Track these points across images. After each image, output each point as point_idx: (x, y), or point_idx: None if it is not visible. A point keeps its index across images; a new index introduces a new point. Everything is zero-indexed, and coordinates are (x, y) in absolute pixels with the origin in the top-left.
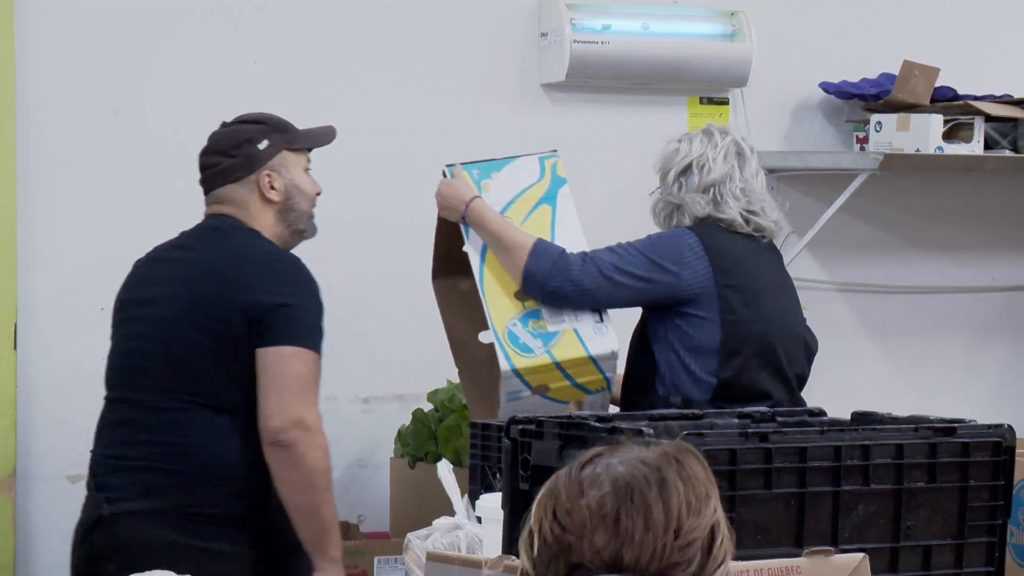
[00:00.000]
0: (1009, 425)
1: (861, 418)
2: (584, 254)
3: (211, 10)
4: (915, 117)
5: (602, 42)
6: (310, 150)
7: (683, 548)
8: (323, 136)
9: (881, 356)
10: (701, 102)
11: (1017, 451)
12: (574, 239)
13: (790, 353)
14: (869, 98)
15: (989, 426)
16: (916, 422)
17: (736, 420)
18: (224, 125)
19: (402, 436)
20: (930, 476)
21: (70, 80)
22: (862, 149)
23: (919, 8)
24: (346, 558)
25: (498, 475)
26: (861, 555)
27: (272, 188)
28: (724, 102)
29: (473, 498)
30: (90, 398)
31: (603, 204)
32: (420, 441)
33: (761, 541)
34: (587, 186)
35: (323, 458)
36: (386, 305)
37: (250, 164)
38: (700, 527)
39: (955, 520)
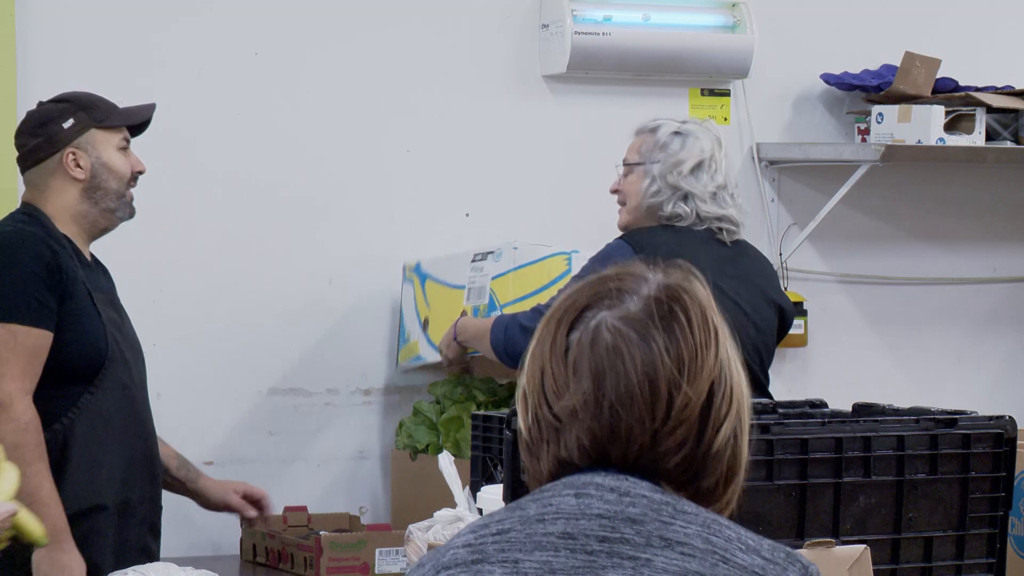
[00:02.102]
0: (1010, 416)
1: (862, 409)
2: (535, 307)
3: (212, 5)
4: (916, 108)
5: (603, 33)
6: (133, 131)
7: (672, 431)
8: (136, 113)
9: (882, 347)
10: (702, 93)
11: (1018, 442)
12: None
13: (756, 350)
14: (870, 89)
15: (990, 417)
16: (917, 413)
17: None
18: (38, 105)
19: (403, 428)
20: (931, 468)
21: (72, 74)
22: (863, 140)
23: None
24: (348, 550)
25: (499, 467)
26: (862, 546)
27: (77, 166)
28: (725, 93)
29: (474, 490)
30: None
31: (603, 195)
32: (421, 433)
33: (762, 532)
34: (587, 178)
35: (16, 432)
36: (387, 297)
37: (53, 143)
38: (693, 397)
39: (956, 511)
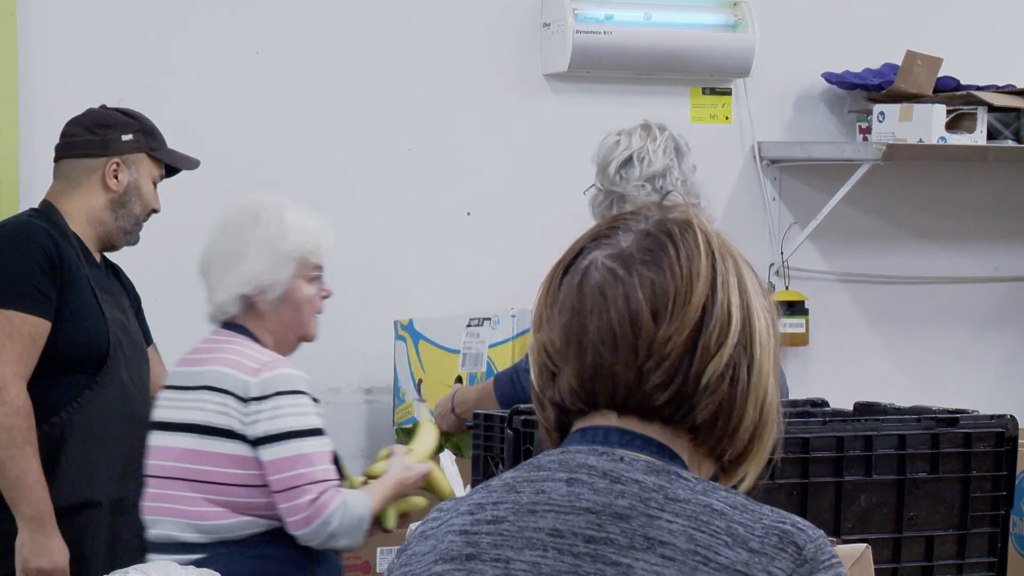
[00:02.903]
0: (1012, 415)
1: (863, 408)
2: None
3: (212, 4)
4: (918, 107)
5: (604, 32)
6: (172, 171)
7: (656, 367)
8: (183, 160)
9: (883, 346)
10: (704, 92)
11: (1020, 441)
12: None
13: None
14: (872, 88)
15: (991, 416)
16: (918, 412)
17: None
18: (102, 107)
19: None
20: (932, 466)
21: (73, 74)
22: (865, 139)
23: None
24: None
25: (500, 466)
26: (864, 546)
27: (115, 177)
28: (727, 92)
29: None
30: None
31: None
32: None
33: None
34: (588, 177)
35: (7, 415)
36: (387, 296)
37: (106, 146)
38: (677, 331)
39: (958, 510)
